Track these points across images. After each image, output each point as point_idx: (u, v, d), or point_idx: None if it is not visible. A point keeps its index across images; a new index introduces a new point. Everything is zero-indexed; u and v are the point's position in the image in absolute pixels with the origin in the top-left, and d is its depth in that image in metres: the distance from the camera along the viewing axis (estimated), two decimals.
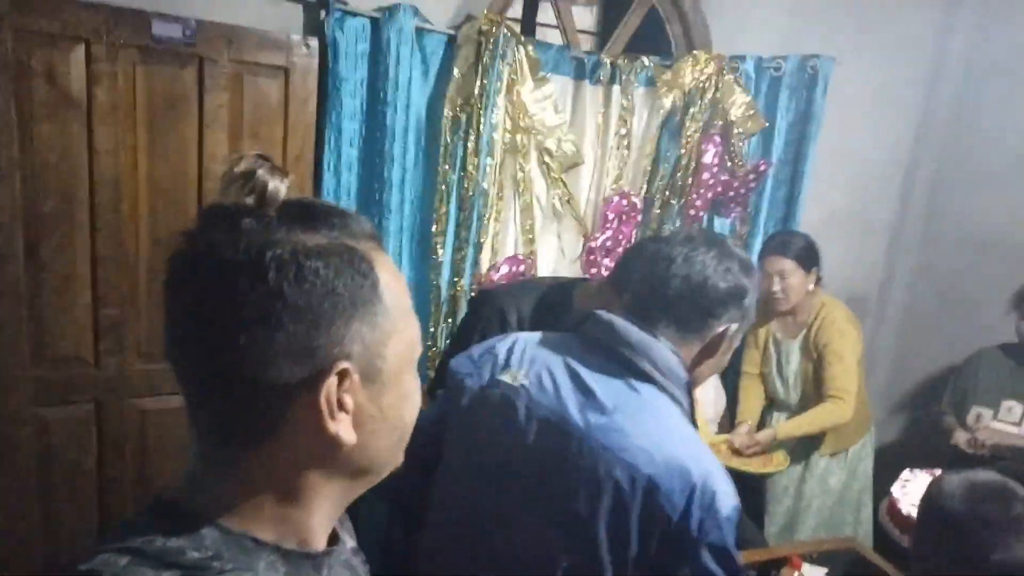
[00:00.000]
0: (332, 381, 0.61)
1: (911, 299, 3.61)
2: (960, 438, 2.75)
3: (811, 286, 2.68)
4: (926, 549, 1.51)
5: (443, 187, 2.43)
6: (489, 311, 1.75)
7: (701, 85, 2.76)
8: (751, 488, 2.89)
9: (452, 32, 2.37)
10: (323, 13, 2.18)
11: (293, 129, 2.24)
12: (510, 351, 1.28)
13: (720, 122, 2.84)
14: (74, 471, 2.14)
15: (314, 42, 2.21)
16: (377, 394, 0.65)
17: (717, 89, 2.78)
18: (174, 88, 2.06)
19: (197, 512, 0.62)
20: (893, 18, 3.17)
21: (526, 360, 1.24)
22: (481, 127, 2.40)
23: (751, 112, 2.86)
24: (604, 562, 1.11)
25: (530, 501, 1.18)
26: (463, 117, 2.39)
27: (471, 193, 2.45)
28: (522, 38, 2.44)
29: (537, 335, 1.32)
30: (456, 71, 2.35)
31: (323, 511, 0.68)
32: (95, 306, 2.08)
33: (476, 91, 2.36)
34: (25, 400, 2.05)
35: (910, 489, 2.32)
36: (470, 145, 2.41)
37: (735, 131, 2.87)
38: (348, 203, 2.36)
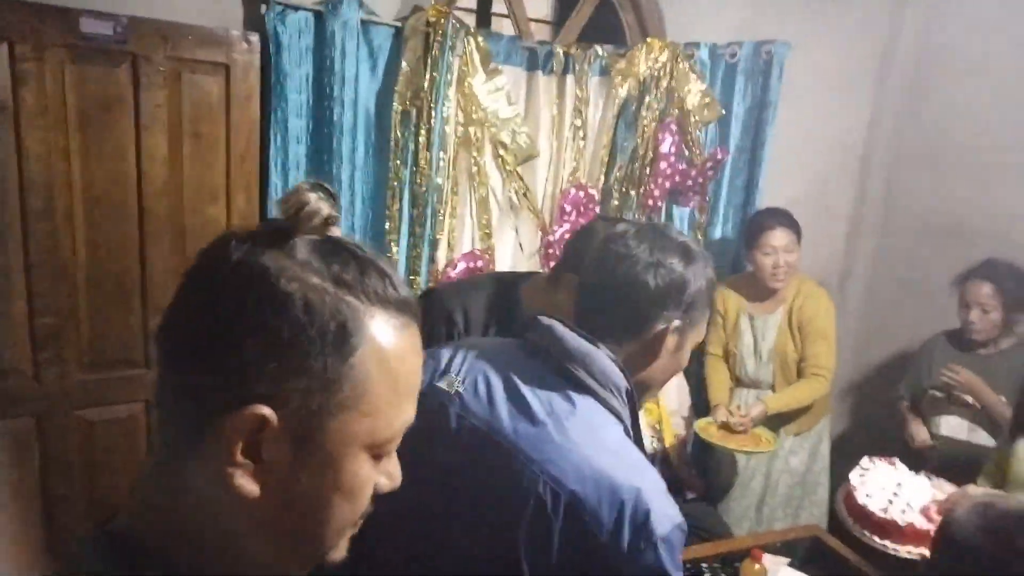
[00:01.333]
0: (245, 418, 0.55)
1: (871, 285, 3.61)
2: (916, 433, 2.74)
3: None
4: None
5: (395, 183, 2.37)
6: (436, 312, 1.70)
7: (656, 74, 2.72)
8: (715, 468, 2.88)
9: (399, 24, 2.31)
10: (263, 7, 2.12)
11: (236, 128, 2.17)
12: (451, 358, 1.23)
13: (676, 111, 2.81)
14: (15, 490, 2.05)
15: (255, 37, 2.14)
16: (302, 462, 0.58)
17: (672, 77, 2.75)
18: (107, 88, 1.98)
19: (142, 547, 0.58)
20: (846, 3, 3.16)
21: (465, 367, 1.20)
22: (432, 121, 2.34)
23: (707, 100, 2.84)
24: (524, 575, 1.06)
25: (457, 510, 1.14)
26: (413, 111, 2.33)
27: (424, 189, 2.40)
28: (471, 28, 2.39)
29: (483, 341, 1.29)
30: (404, 64, 2.29)
31: (261, 567, 0.61)
32: (31, 316, 2.00)
33: (426, 84, 2.31)
34: None
35: (868, 478, 2.28)
36: (421, 140, 2.35)
37: (692, 119, 2.84)
38: None
